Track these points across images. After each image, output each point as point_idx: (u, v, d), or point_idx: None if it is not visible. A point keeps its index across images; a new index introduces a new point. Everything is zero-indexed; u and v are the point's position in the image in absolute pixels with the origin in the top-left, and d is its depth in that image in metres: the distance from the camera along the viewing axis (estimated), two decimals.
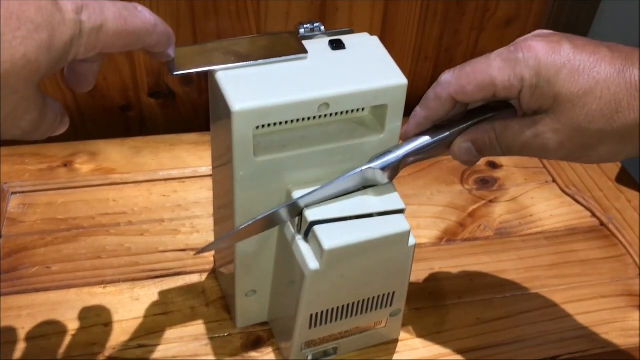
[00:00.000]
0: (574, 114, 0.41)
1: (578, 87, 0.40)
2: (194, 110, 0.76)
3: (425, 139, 0.45)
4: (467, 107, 0.46)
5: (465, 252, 0.62)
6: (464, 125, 0.45)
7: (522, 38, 0.43)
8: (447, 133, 0.45)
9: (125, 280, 0.56)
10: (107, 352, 0.51)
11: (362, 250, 0.44)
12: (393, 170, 0.45)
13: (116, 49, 0.34)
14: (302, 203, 0.44)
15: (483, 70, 0.42)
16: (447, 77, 0.44)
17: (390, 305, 0.50)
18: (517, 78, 0.41)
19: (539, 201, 0.68)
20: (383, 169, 0.44)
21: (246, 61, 0.42)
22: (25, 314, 0.53)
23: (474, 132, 0.45)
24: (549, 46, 0.41)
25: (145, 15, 0.35)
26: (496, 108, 0.45)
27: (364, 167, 0.44)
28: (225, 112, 0.40)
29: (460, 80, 0.43)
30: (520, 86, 0.41)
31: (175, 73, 0.40)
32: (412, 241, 0.45)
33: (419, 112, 0.45)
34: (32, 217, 0.61)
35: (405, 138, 0.46)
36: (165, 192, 0.65)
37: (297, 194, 0.44)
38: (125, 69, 0.70)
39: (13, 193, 0.63)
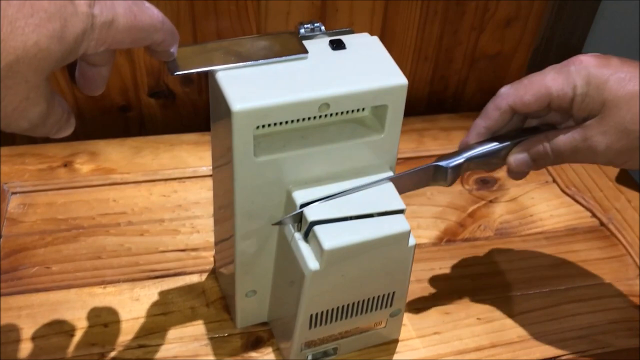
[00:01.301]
0: (620, 116, 0.44)
1: (624, 91, 0.44)
2: (194, 110, 0.76)
3: (485, 147, 0.49)
4: (523, 123, 0.51)
5: (465, 252, 0.62)
6: (520, 139, 0.49)
7: (575, 56, 0.47)
8: (505, 143, 0.49)
9: (125, 281, 0.56)
10: (107, 352, 0.51)
11: (362, 250, 0.44)
12: (456, 171, 0.48)
13: (125, 45, 0.35)
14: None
15: (539, 81, 0.47)
16: (505, 89, 0.49)
17: (390, 305, 0.50)
18: (569, 86, 0.45)
19: (539, 201, 0.68)
20: (450, 168, 0.48)
21: (246, 61, 0.42)
22: (25, 314, 0.53)
23: (529, 142, 0.49)
24: (597, 60, 0.46)
25: (153, 12, 0.35)
26: (546, 131, 0.49)
27: (433, 163, 0.48)
28: (225, 112, 0.40)
29: (518, 91, 0.48)
30: (573, 94, 0.46)
31: (175, 73, 0.40)
32: (412, 241, 0.45)
33: (479, 122, 0.50)
34: (32, 217, 0.61)
35: (465, 147, 0.49)
36: (165, 192, 0.65)
37: (297, 195, 0.44)
38: (125, 69, 0.70)
39: (13, 193, 0.63)
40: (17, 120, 0.32)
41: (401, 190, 0.46)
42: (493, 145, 0.49)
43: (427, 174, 0.48)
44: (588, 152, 0.46)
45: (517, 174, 0.51)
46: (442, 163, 0.48)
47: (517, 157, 0.49)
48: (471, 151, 0.49)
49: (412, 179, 0.48)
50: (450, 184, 0.49)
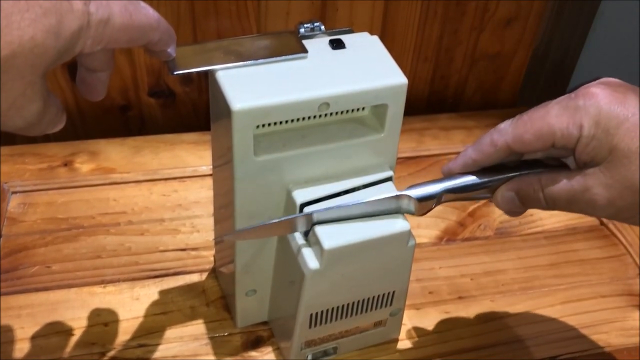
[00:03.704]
0: (629, 171, 0.38)
1: (638, 143, 0.38)
2: (194, 109, 0.76)
3: (468, 180, 0.44)
4: (521, 156, 0.44)
5: (465, 252, 0.62)
6: (511, 175, 0.43)
7: (585, 85, 0.41)
8: (492, 179, 0.44)
9: (125, 280, 0.56)
10: (107, 352, 0.51)
11: (362, 250, 0.44)
12: (428, 203, 0.44)
13: (121, 44, 0.35)
14: (315, 218, 0.43)
15: (541, 118, 0.41)
16: (505, 125, 0.43)
17: (390, 304, 0.50)
18: (575, 126, 0.39)
19: None
20: (419, 199, 0.43)
21: (246, 61, 0.42)
22: (25, 313, 0.53)
23: (519, 182, 0.43)
24: (612, 96, 0.39)
25: (149, 11, 0.36)
26: (549, 165, 0.44)
27: (398, 193, 0.43)
28: (225, 111, 0.40)
29: (517, 129, 0.41)
30: (578, 135, 0.39)
31: (175, 72, 0.40)
32: (412, 241, 0.46)
33: (469, 153, 0.44)
34: (32, 217, 0.61)
35: (448, 175, 0.45)
36: (165, 191, 0.65)
37: (297, 194, 0.44)
38: (125, 68, 0.70)
39: (13, 193, 0.63)
40: (13, 118, 0.32)
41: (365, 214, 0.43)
42: (475, 182, 0.44)
43: (394, 203, 0.44)
44: (586, 205, 0.40)
45: (507, 212, 0.45)
46: (413, 193, 0.43)
47: (504, 196, 0.44)
48: (449, 182, 0.44)
49: (380, 206, 0.44)
50: (421, 215, 0.44)
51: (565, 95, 0.41)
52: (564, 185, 0.41)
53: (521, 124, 0.41)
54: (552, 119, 0.40)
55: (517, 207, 0.44)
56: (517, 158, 0.44)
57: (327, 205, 0.44)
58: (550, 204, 0.42)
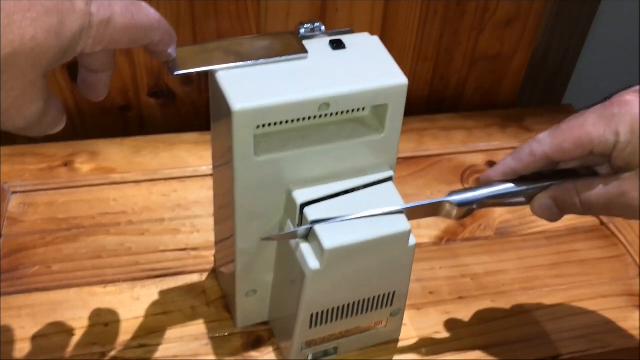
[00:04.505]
0: None
1: None
2: (194, 110, 0.76)
3: (506, 187, 0.46)
4: (557, 165, 0.46)
5: (466, 252, 0.62)
6: (548, 183, 0.45)
7: (620, 93, 0.43)
8: (530, 187, 0.46)
9: (125, 280, 0.56)
10: (108, 352, 0.51)
11: (362, 250, 0.44)
12: (468, 209, 0.45)
13: (122, 45, 0.35)
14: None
15: (578, 127, 0.43)
16: (543, 136, 0.44)
17: (391, 304, 0.50)
18: (612, 133, 0.41)
19: None
20: (460, 205, 0.45)
21: (246, 61, 0.42)
22: (25, 313, 0.53)
23: (556, 189, 0.45)
24: None
25: (150, 12, 0.36)
26: (582, 174, 0.45)
27: (440, 200, 0.45)
28: (225, 111, 0.40)
29: (556, 139, 0.43)
30: (615, 141, 0.41)
31: (175, 73, 0.40)
32: (412, 241, 0.46)
33: (508, 162, 0.46)
34: (32, 217, 0.61)
35: (487, 182, 0.46)
36: (165, 191, 0.65)
37: (298, 194, 0.44)
38: (125, 69, 0.70)
39: (13, 193, 0.63)
40: (13, 117, 0.32)
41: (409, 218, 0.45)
42: (513, 189, 0.46)
43: (438, 207, 0.46)
44: (623, 208, 0.42)
45: (545, 219, 0.47)
46: (453, 199, 0.45)
47: (541, 204, 0.46)
48: (489, 189, 0.46)
49: (422, 210, 0.45)
50: (460, 219, 0.46)
51: (600, 104, 0.43)
52: (599, 190, 0.43)
53: (559, 134, 0.43)
54: (589, 127, 0.42)
55: (555, 213, 0.46)
56: (553, 167, 0.46)
57: (330, 206, 0.44)
58: (587, 209, 0.44)
